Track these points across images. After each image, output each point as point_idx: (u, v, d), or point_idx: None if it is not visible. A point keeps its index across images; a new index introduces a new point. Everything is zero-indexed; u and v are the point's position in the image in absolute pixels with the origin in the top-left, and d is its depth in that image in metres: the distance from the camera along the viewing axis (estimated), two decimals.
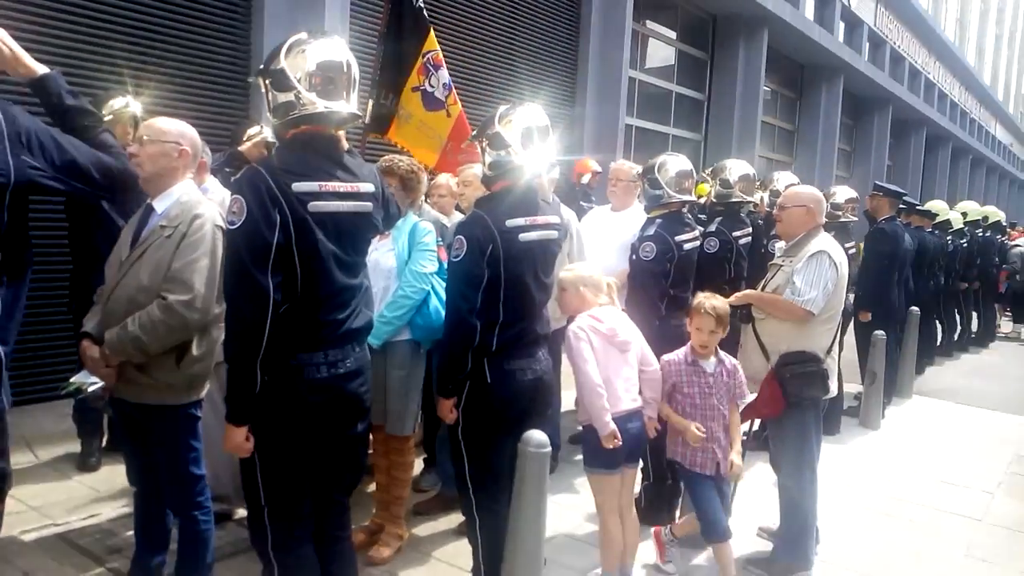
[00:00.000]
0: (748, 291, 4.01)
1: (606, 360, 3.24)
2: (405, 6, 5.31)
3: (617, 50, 9.83)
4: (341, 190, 2.40)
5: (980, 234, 10.92)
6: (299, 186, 2.30)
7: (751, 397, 3.66)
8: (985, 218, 11.35)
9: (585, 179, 8.27)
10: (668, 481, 4.14)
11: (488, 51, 8.49)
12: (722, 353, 3.59)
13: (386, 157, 3.71)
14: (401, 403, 3.62)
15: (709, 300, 3.47)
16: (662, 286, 4.23)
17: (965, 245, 10.13)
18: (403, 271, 3.54)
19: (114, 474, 4.24)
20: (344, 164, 2.46)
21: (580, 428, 3.37)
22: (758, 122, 13.40)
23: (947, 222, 9.50)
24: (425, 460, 4.58)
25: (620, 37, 9.77)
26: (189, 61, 6.02)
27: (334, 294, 2.42)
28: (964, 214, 10.64)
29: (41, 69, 2.54)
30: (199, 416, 2.89)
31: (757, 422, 4.29)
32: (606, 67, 9.89)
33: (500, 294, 2.88)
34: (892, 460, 5.68)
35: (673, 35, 12.53)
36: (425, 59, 5.24)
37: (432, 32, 5.32)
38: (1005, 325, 13.00)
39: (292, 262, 2.31)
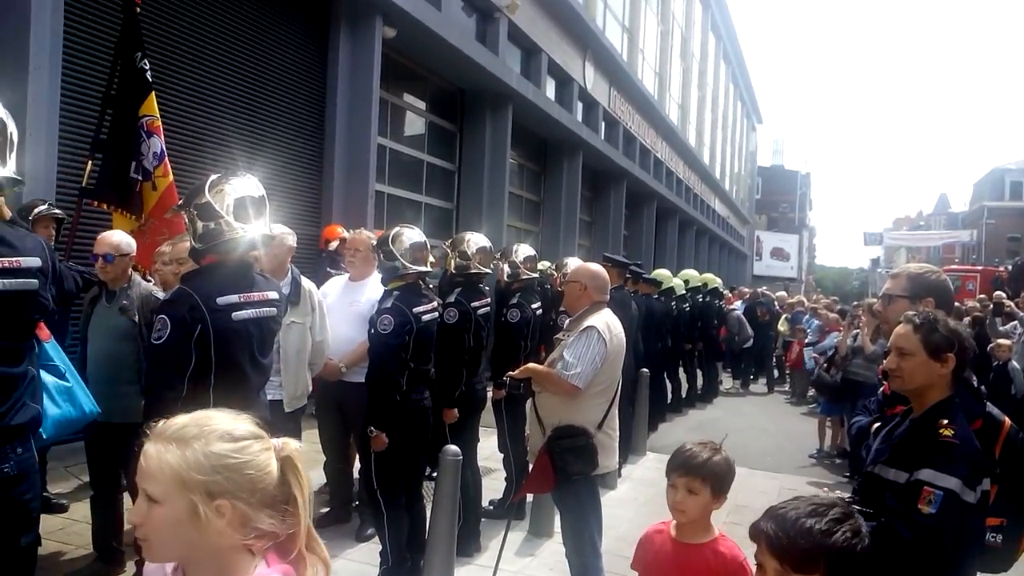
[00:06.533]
0: (529, 364, 4.03)
1: None
2: (128, 67, 4.98)
3: (365, 118, 9.82)
4: None
5: (701, 299, 12.04)
6: None
7: None
8: (705, 284, 12.55)
9: (333, 245, 8.06)
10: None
11: (227, 119, 8.10)
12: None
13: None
14: None
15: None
16: (401, 359, 4.14)
17: (688, 309, 11.09)
18: None
19: None
20: (1, 238, 2.14)
21: None
22: (506, 192, 13.95)
23: (671, 289, 10.37)
24: None
25: (368, 106, 9.79)
26: None
27: None
28: (686, 281, 11.67)
29: None
30: None
31: None
32: (354, 135, 9.83)
33: (210, 379, 2.63)
34: (627, 519, 5.92)
35: (423, 106, 12.81)
36: (139, 124, 4.88)
37: (153, 96, 4.97)
38: (726, 381, 14.38)
39: None
